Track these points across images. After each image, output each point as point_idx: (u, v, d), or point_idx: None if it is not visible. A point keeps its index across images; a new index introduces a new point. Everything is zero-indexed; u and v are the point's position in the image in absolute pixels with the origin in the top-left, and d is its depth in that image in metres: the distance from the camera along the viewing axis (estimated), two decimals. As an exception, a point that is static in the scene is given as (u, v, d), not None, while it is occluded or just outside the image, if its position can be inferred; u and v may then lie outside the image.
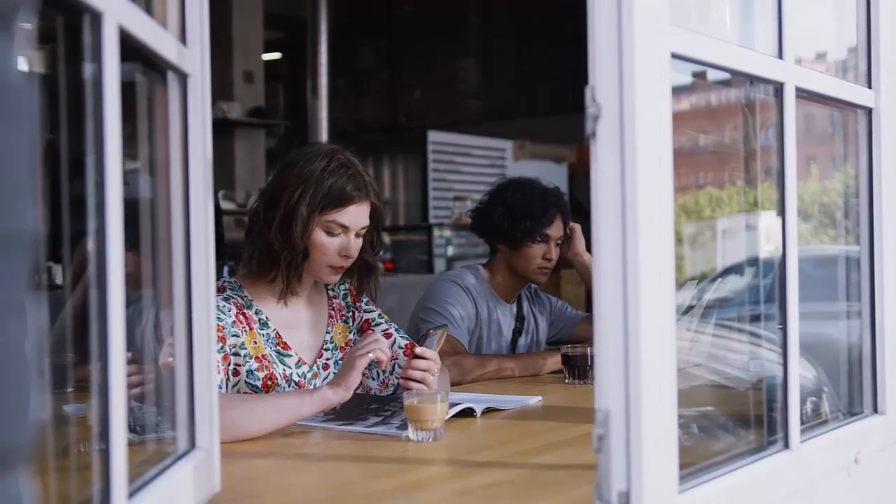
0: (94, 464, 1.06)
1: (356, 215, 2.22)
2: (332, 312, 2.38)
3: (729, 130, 2.03)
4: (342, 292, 2.43)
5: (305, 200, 2.16)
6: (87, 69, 1.04)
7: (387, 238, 7.71)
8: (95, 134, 1.03)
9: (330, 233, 2.20)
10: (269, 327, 2.23)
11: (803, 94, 1.60)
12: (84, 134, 1.04)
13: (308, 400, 1.97)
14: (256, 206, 2.25)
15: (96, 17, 1.01)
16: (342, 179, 2.19)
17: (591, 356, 2.66)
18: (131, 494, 1.11)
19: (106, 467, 1.02)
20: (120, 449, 1.03)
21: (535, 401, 2.36)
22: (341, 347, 2.36)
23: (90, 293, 1.05)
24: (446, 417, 1.93)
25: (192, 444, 1.39)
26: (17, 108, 0.56)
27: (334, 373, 2.30)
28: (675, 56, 1.26)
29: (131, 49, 1.13)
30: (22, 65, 0.58)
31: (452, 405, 2.04)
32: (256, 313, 2.23)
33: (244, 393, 2.16)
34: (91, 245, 1.04)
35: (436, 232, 7.52)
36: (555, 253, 3.04)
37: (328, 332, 2.35)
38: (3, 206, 0.56)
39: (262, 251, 2.21)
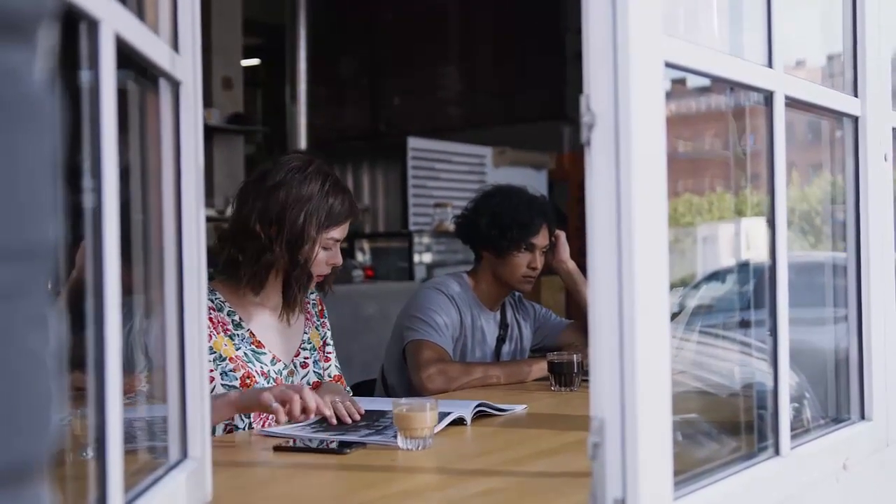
0: (88, 473, 1.05)
1: (346, 228, 2.36)
2: (308, 315, 2.47)
3: (709, 137, 2.05)
4: (312, 300, 2.52)
5: (313, 223, 2.26)
6: (83, 76, 1.04)
7: (367, 245, 7.68)
8: (92, 141, 1.02)
9: (326, 248, 2.31)
10: (242, 328, 2.29)
11: (791, 103, 1.61)
12: (77, 140, 1.04)
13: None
14: (247, 219, 2.24)
15: (93, 25, 1.01)
16: (339, 198, 2.31)
17: (577, 363, 2.67)
18: (126, 505, 1.10)
19: (102, 477, 1.02)
20: (116, 459, 1.03)
21: (521, 409, 2.36)
22: (318, 348, 2.46)
23: (76, 300, 1.04)
24: (439, 428, 1.93)
25: (184, 454, 1.38)
26: (39, 118, 0.56)
27: (314, 371, 2.42)
28: (668, 65, 1.27)
29: (124, 56, 1.13)
30: (43, 76, 0.58)
31: (442, 415, 2.04)
32: (229, 315, 2.29)
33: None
34: (87, 252, 1.04)
35: (416, 239, 7.50)
36: (540, 262, 3.04)
37: (305, 333, 2.44)
38: (25, 217, 0.56)
39: (265, 269, 2.26)
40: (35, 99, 0.56)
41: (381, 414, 2.19)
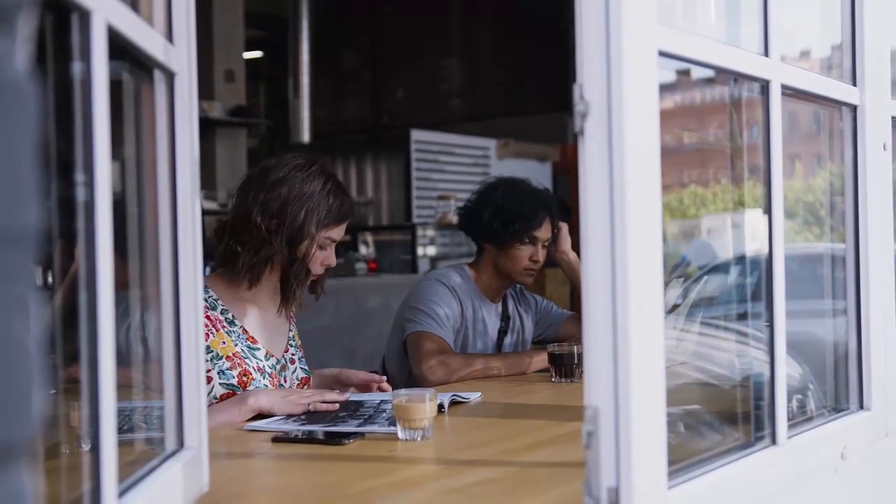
0: (83, 464, 1.05)
1: (343, 230, 2.39)
2: (292, 315, 2.51)
3: (713, 128, 2.04)
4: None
5: (313, 220, 2.28)
6: (75, 67, 1.04)
7: (370, 238, 7.69)
8: (84, 133, 1.02)
9: (321, 247, 2.34)
10: (236, 325, 2.32)
11: (789, 92, 1.61)
12: (70, 133, 1.04)
13: (237, 412, 2.10)
14: (248, 212, 2.26)
15: (85, 16, 1.01)
16: (339, 199, 2.34)
17: (578, 354, 2.67)
18: (121, 494, 1.10)
19: (96, 467, 1.02)
20: (110, 449, 1.03)
21: (475, 397, 2.39)
22: (300, 346, 2.51)
23: (76, 293, 1.05)
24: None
25: (181, 444, 1.39)
26: (20, 106, 0.57)
27: (301, 367, 2.46)
28: (662, 54, 1.27)
29: (118, 47, 1.13)
30: (23, 62, 0.58)
31: None
32: (222, 313, 2.32)
33: (220, 395, 2.23)
34: (78, 246, 1.04)
35: (419, 231, 7.51)
36: (542, 255, 3.04)
37: (290, 331, 2.49)
38: (7, 203, 0.56)
39: (262, 262, 2.29)
40: (15, 87, 0.57)
41: (360, 404, 2.20)
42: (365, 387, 2.44)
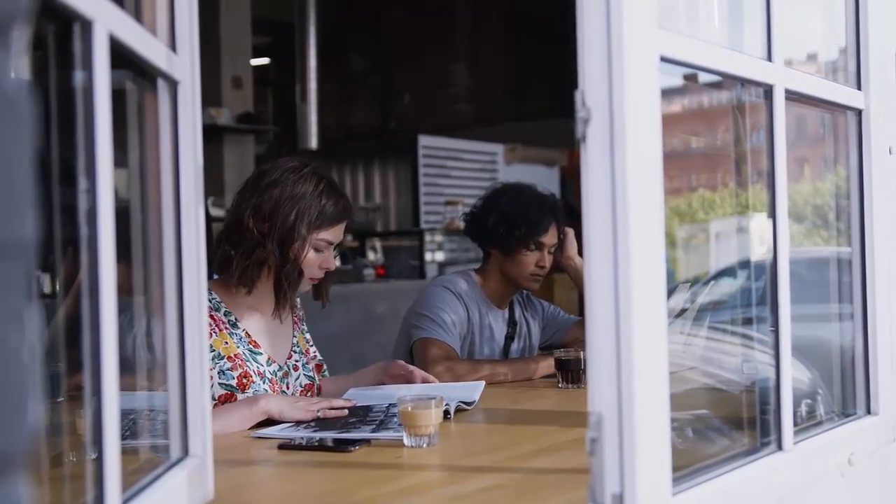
0: (88, 472, 1.06)
1: (341, 232, 2.38)
2: (296, 320, 2.51)
3: (721, 133, 2.04)
4: (297, 307, 2.57)
5: (304, 221, 2.28)
6: (77, 77, 1.04)
7: (378, 243, 7.69)
8: (86, 141, 1.03)
9: (317, 249, 2.33)
10: (239, 328, 2.33)
11: (793, 96, 1.61)
12: (73, 141, 1.04)
13: (248, 413, 2.09)
14: (241, 216, 2.27)
15: (87, 25, 1.01)
16: (332, 200, 2.33)
17: (584, 360, 2.66)
18: (125, 502, 1.10)
19: (100, 475, 1.02)
20: (114, 456, 1.03)
21: (479, 388, 2.42)
22: (305, 352, 2.50)
23: (81, 302, 1.05)
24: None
25: (186, 452, 1.39)
26: (15, 116, 0.57)
27: (304, 374, 2.46)
28: (664, 59, 1.27)
29: (121, 56, 1.13)
30: (19, 73, 0.58)
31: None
32: (226, 315, 2.32)
33: (219, 395, 2.24)
34: (82, 254, 1.04)
35: (427, 237, 7.50)
36: (548, 260, 3.04)
37: (294, 337, 2.48)
38: (3, 214, 0.56)
39: (256, 265, 2.29)
40: (10, 97, 0.57)
41: (369, 409, 2.20)
42: (405, 378, 2.47)
